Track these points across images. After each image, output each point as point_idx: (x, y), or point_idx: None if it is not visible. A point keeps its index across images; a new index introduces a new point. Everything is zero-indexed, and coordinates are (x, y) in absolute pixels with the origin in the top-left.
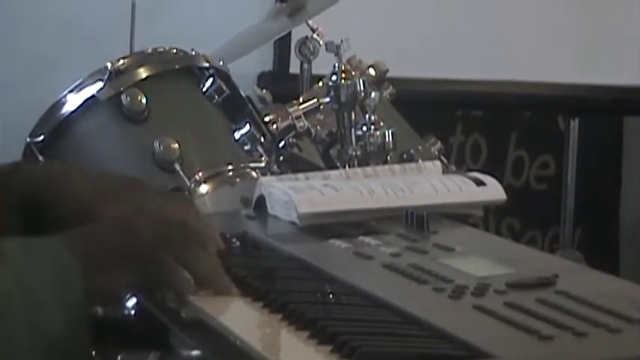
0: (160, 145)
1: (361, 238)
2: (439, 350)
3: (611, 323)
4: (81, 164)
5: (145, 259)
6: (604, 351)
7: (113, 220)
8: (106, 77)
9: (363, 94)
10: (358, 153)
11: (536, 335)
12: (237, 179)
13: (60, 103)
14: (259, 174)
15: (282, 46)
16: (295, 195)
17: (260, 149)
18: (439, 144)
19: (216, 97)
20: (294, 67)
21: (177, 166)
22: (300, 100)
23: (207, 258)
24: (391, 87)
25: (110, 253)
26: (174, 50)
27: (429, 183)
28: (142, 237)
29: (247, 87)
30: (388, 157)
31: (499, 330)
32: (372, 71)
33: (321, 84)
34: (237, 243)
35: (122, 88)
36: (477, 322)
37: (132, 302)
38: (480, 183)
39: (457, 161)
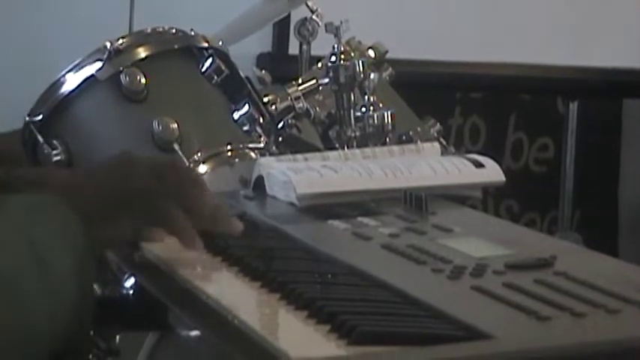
0: (158, 125)
1: (360, 218)
2: (437, 330)
3: (609, 304)
4: (80, 144)
5: (145, 203)
6: (602, 331)
7: (110, 166)
8: (105, 57)
9: (362, 76)
10: (357, 134)
11: (534, 316)
12: (236, 160)
13: (59, 83)
14: (258, 154)
15: (282, 27)
16: (294, 176)
17: (259, 130)
18: (438, 126)
19: (216, 77)
20: (294, 48)
21: (176, 146)
22: (300, 81)
23: (208, 197)
24: (390, 68)
25: (109, 200)
26: (174, 30)
27: (428, 164)
28: (141, 180)
29: (246, 68)
30: (387, 139)
31: (497, 310)
32: (371, 52)
33: (320, 65)
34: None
35: (121, 68)
36: (476, 302)
37: (130, 282)
38: (478, 165)
39: (456, 143)
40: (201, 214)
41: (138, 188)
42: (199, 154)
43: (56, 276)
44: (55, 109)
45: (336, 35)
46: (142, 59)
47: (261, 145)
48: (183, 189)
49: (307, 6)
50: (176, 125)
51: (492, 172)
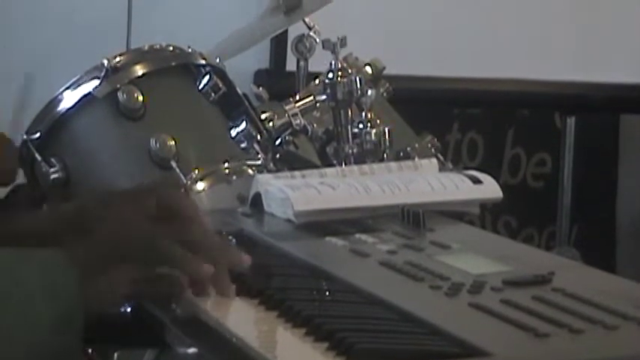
0: (156, 143)
1: (357, 235)
2: (435, 347)
3: (607, 320)
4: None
5: (144, 249)
6: (600, 348)
7: (106, 227)
8: (102, 74)
9: (359, 92)
10: (355, 151)
11: (532, 332)
12: (234, 177)
13: (56, 100)
14: (256, 171)
15: (279, 43)
16: (291, 192)
17: (256, 147)
18: (436, 142)
19: (213, 94)
20: (291, 65)
21: (174, 164)
22: (297, 97)
23: (209, 233)
24: (388, 85)
25: (107, 255)
26: (171, 47)
27: (426, 180)
28: (139, 228)
29: (244, 84)
30: (385, 155)
31: (495, 327)
32: (368, 69)
33: (317, 82)
34: (234, 240)
35: (118, 85)
36: (474, 319)
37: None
38: (476, 181)
39: (454, 159)
40: (209, 250)
41: (137, 236)
42: (197, 172)
43: (36, 319)
44: (53, 127)
45: (334, 52)
46: (140, 77)
47: (259, 162)
48: (184, 228)
49: (305, 22)
50: (173, 142)
51: (490, 189)
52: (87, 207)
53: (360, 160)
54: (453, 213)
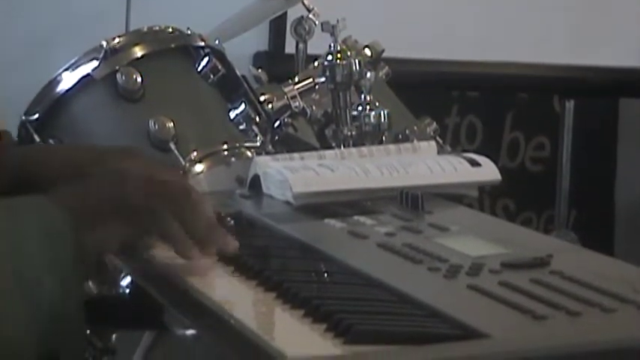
0: (155, 124)
1: (356, 217)
2: (433, 329)
3: (605, 303)
4: (75, 142)
5: (140, 212)
6: (598, 331)
7: (103, 172)
8: (101, 56)
9: (358, 75)
10: (353, 133)
11: (530, 315)
12: (233, 159)
13: (55, 82)
14: (254, 153)
15: (278, 25)
16: (290, 174)
17: (255, 129)
18: (434, 125)
19: (212, 76)
20: (290, 47)
21: (172, 146)
22: (296, 80)
23: (203, 211)
24: (387, 67)
25: (102, 205)
26: (170, 29)
27: (424, 163)
28: (137, 191)
29: (243, 67)
30: (383, 138)
31: (493, 309)
32: (367, 51)
33: (316, 64)
34: (232, 222)
35: (117, 67)
36: (472, 301)
37: (126, 281)
38: (474, 163)
39: (452, 142)
40: (196, 227)
41: (134, 198)
42: (195, 154)
43: (33, 279)
44: (51, 109)
45: (333, 34)
46: (138, 58)
47: (258, 144)
48: (178, 202)
49: (304, 4)
50: (172, 124)
51: (488, 171)
52: (89, 156)
53: (358, 142)
54: (452, 195)
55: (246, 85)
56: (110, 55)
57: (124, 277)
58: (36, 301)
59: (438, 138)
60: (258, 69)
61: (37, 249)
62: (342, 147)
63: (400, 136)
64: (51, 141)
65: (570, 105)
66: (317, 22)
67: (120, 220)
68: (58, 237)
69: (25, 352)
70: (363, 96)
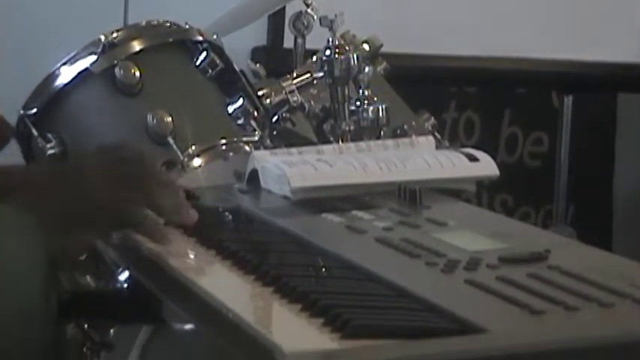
0: (153, 119)
1: (354, 212)
2: (431, 324)
3: (602, 298)
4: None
5: (108, 213)
6: (595, 325)
7: (72, 177)
8: (99, 50)
9: (356, 69)
10: (351, 128)
11: (527, 309)
12: (231, 153)
13: (53, 76)
14: (252, 148)
15: (276, 20)
16: (288, 169)
17: (253, 123)
18: (433, 120)
19: (210, 70)
20: (288, 42)
21: (171, 140)
22: (294, 74)
23: (171, 193)
24: (385, 62)
25: (66, 212)
26: (168, 23)
27: (422, 158)
28: (103, 190)
29: (241, 61)
30: (381, 133)
31: (491, 304)
32: (366, 46)
33: (314, 59)
34: (230, 217)
35: (115, 61)
36: (469, 296)
37: (124, 276)
38: (472, 158)
39: (451, 138)
40: (167, 211)
41: (100, 199)
42: (193, 148)
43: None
44: (50, 103)
45: (331, 29)
46: (137, 52)
47: (256, 138)
48: (147, 191)
49: None
50: (170, 119)
51: (486, 166)
52: (55, 167)
53: (356, 137)
54: (450, 190)
55: (244, 79)
56: (108, 49)
57: (121, 272)
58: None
59: (436, 133)
60: (256, 64)
61: (11, 244)
62: (340, 142)
63: (398, 131)
64: (49, 135)
65: (569, 100)
66: (315, 17)
67: (89, 226)
68: (29, 235)
69: None
70: (361, 91)
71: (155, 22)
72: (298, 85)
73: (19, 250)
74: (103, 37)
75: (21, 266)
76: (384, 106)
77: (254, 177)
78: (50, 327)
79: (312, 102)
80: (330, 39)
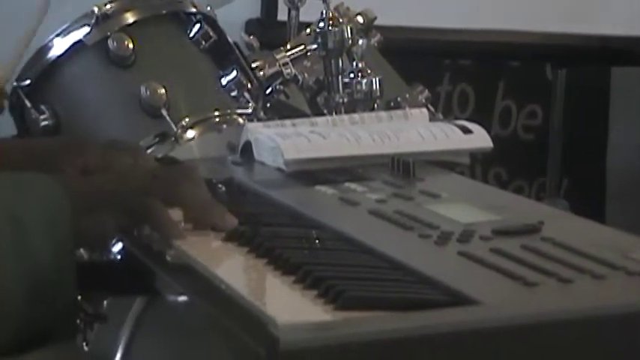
0: (146, 91)
1: (347, 184)
2: (424, 296)
3: (595, 270)
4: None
5: (133, 202)
6: (588, 297)
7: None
8: (92, 22)
9: (350, 42)
10: (345, 100)
11: (521, 281)
12: (224, 125)
13: (46, 48)
14: (246, 120)
15: None
16: (282, 141)
17: (247, 95)
18: (426, 92)
19: (204, 42)
20: (282, 14)
21: (164, 112)
22: (288, 47)
23: (198, 191)
24: (379, 35)
25: (99, 194)
26: None
27: (416, 130)
28: (131, 179)
29: (235, 34)
30: (375, 105)
31: (484, 276)
32: (359, 19)
33: (308, 31)
34: (223, 189)
35: (109, 33)
36: (462, 268)
37: (118, 247)
38: (466, 131)
39: (445, 111)
40: (193, 208)
41: (133, 197)
42: (187, 120)
43: (32, 247)
44: (43, 74)
45: (325, 1)
46: (130, 24)
47: (249, 110)
48: (176, 186)
49: None
50: (164, 91)
51: (480, 138)
52: (52, 147)
53: (350, 109)
54: (443, 164)
55: (237, 51)
56: (102, 21)
57: (115, 243)
58: (29, 261)
59: (429, 106)
60: (250, 36)
61: (35, 215)
62: (333, 114)
63: (392, 104)
64: (42, 107)
65: (562, 73)
66: None
67: (114, 211)
68: (56, 208)
69: (14, 305)
70: (355, 63)
71: None
72: (292, 57)
73: (39, 225)
74: (96, 9)
75: (39, 229)
76: (377, 79)
77: (247, 149)
78: (62, 298)
79: (305, 74)
80: (324, 11)
